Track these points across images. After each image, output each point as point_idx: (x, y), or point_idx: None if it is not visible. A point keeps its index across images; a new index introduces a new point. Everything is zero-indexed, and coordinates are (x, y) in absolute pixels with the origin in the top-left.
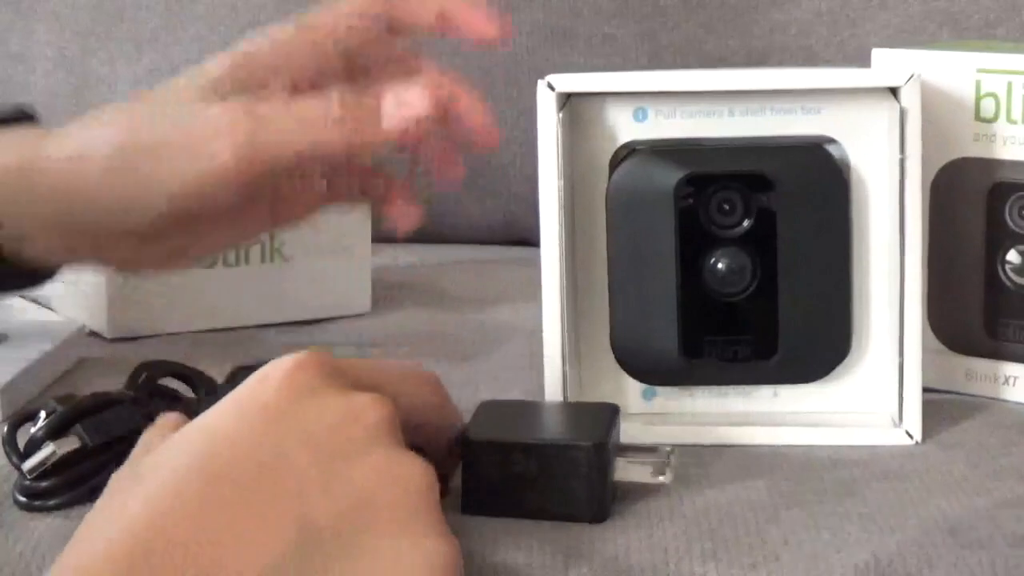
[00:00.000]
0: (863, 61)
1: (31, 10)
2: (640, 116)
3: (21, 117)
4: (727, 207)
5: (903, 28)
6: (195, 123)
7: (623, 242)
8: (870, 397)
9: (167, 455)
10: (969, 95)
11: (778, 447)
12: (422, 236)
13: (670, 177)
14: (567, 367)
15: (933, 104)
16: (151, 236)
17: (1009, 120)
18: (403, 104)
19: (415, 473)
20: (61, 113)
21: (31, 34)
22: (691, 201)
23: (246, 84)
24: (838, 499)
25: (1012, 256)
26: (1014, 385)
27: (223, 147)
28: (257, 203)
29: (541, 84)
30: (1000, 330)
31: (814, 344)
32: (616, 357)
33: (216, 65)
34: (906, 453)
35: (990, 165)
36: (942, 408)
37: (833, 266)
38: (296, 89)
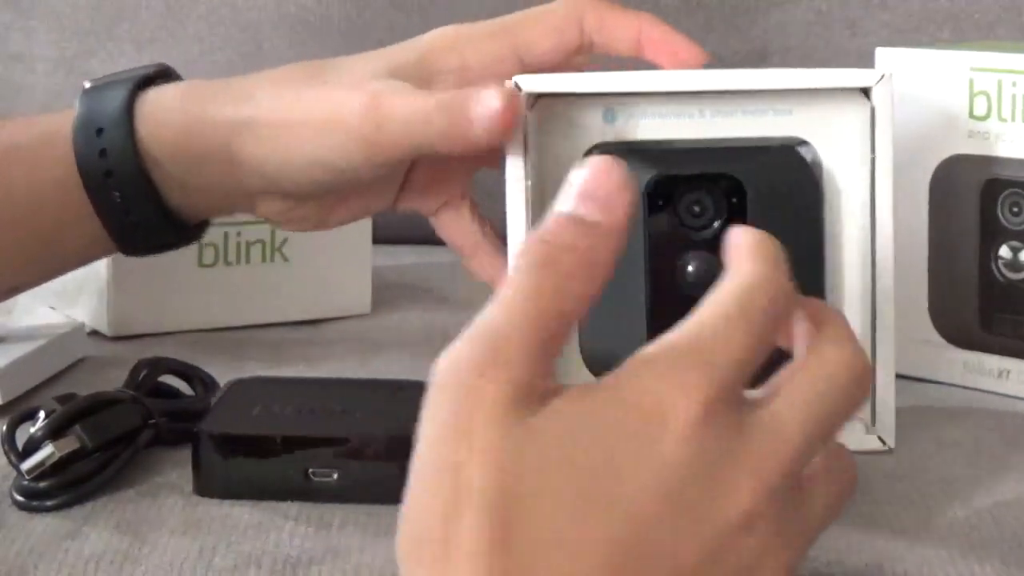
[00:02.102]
0: (863, 61)
1: (31, 10)
2: (610, 117)
3: (167, 74)
4: (697, 209)
5: (903, 28)
6: (331, 105)
7: None
8: None
9: (552, 503)
10: (963, 93)
11: None
12: (422, 236)
13: (639, 179)
14: None
15: (928, 102)
16: (298, 199)
17: (1000, 118)
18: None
19: None
20: None
21: (31, 34)
22: (661, 203)
23: (420, 77)
24: None
25: (1004, 251)
26: (1007, 378)
27: (349, 135)
28: (392, 180)
29: (508, 84)
30: (994, 324)
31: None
32: (584, 361)
33: (401, 51)
34: (904, 453)
35: (983, 162)
36: (941, 405)
37: (805, 269)
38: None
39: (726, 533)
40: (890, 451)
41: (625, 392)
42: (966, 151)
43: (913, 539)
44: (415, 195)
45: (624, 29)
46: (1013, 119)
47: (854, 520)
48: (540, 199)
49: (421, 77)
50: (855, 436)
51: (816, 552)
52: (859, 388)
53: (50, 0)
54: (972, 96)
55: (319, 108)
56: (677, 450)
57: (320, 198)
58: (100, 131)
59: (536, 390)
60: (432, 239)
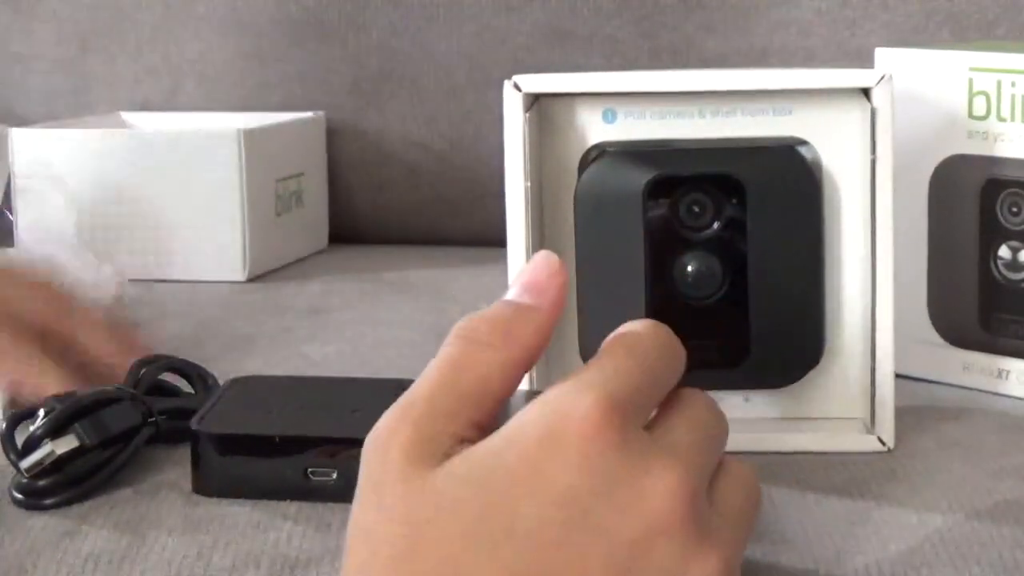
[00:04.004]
0: (863, 61)
1: (31, 10)
2: (609, 117)
3: None
4: (697, 209)
5: (903, 28)
6: None
7: (591, 245)
8: (842, 403)
9: (445, 524)
10: (962, 93)
11: (751, 453)
12: (422, 236)
13: (639, 179)
14: (534, 371)
15: (928, 102)
16: None
17: (999, 118)
18: None
19: None
20: (61, 113)
21: (31, 34)
22: (660, 203)
23: None
24: (836, 501)
25: (1004, 252)
26: (1007, 379)
27: None
28: None
29: (507, 84)
30: (994, 324)
31: (785, 349)
32: (584, 361)
33: None
34: (904, 453)
35: (983, 162)
36: (941, 405)
37: (805, 269)
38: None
39: (639, 543)
40: (890, 451)
41: (516, 431)
42: (966, 151)
43: (912, 540)
44: None
45: None
46: (1013, 119)
47: (854, 520)
48: (540, 199)
49: None
50: (855, 436)
51: (815, 552)
52: (721, 421)
53: (50, 0)
54: (971, 96)
55: None
56: (574, 469)
57: None
58: None
59: (441, 447)
60: (432, 239)
